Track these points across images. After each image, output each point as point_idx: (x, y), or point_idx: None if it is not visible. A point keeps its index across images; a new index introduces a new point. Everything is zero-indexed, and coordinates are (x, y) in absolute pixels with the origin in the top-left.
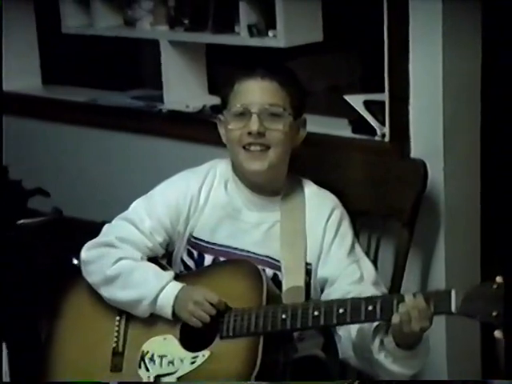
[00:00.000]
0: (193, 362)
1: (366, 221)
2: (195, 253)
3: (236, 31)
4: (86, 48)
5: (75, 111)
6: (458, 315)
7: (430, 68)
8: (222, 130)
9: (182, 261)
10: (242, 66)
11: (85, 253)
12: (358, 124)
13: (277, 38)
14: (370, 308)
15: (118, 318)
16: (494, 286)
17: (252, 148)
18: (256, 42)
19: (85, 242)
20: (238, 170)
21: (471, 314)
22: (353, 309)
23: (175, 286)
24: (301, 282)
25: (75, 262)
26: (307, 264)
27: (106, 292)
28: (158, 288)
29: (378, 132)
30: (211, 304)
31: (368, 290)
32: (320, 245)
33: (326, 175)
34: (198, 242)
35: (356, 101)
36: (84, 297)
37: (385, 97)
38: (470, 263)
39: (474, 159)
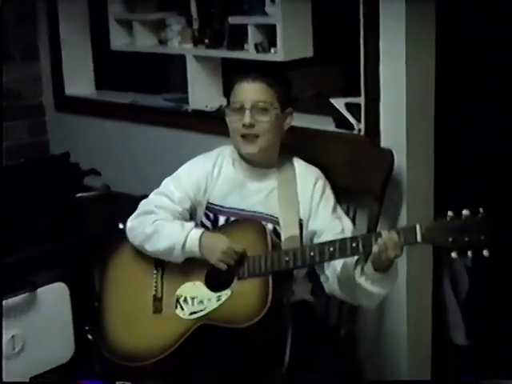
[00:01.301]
0: (218, 300)
1: (345, 196)
2: (211, 215)
3: (245, 48)
4: (129, 61)
5: (121, 110)
6: (422, 243)
7: (395, 78)
8: (227, 121)
9: (202, 223)
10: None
11: (130, 222)
12: (340, 121)
13: (277, 54)
14: (354, 245)
15: (154, 271)
16: (448, 219)
17: (247, 136)
18: (260, 56)
19: (127, 211)
20: (239, 153)
21: (432, 242)
22: (340, 247)
23: (197, 231)
24: (296, 232)
25: (121, 226)
26: (300, 220)
27: (148, 247)
28: (184, 235)
29: (356, 127)
30: (235, 252)
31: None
32: (309, 205)
33: (315, 160)
34: (213, 206)
35: (339, 103)
36: (127, 256)
37: (361, 100)
38: None
39: (429, 148)
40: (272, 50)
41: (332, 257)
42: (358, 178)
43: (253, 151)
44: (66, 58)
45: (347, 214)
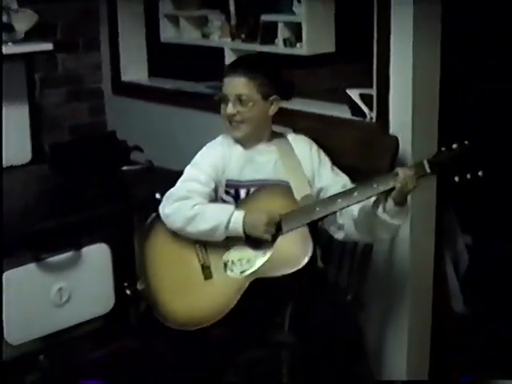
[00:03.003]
0: (264, 255)
1: (356, 176)
2: (232, 191)
3: (275, 43)
4: (177, 52)
5: (168, 95)
6: (431, 174)
7: (403, 73)
8: None
9: (222, 200)
10: (231, 65)
11: (167, 208)
12: (355, 109)
13: (302, 48)
14: (375, 185)
15: (197, 244)
16: (444, 152)
17: (232, 123)
18: (288, 50)
19: (168, 184)
20: None
21: (439, 171)
22: (363, 189)
23: (240, 212)
24: (308, 191)
25: (158, 196)
26: (308, 181)
27: (190, 228)
28: (228, 215)
29: (368, 115)
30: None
31: None
32: (311, 166)
33: (332, 144)
34: (232, 182)
35: (354, 93)
36: (167, 232)
37: (373, 91)
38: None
39: (433, 135)
40: (298, 45)
41: (357, 200)
42: (369, 160)
43: (238, 136)
44: (123, 48)
45: None
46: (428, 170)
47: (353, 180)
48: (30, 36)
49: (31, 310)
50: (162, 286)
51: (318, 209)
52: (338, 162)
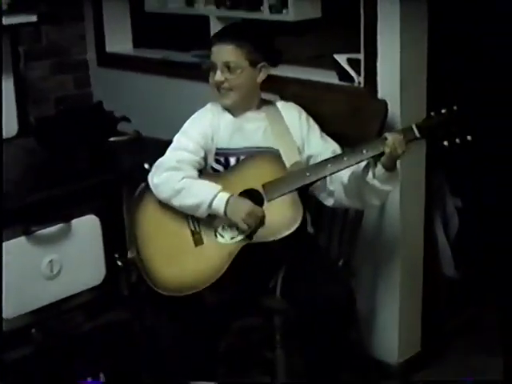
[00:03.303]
0: None
1: (345, 141)
2: (222, 159)
3: (261, 9)
4: (162, 21)
5: (154, 65)
6: (421, 138)
7: (390, 38)
8: None
9: (212, 168)
10: (218, 33)
11: (156, 178)
12: (343, 74)
13: (288, 14)
14: (365, 151)
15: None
16: (434, 117)
17: (221, 90)
18: (274, 17)
19: (156, 154)
20: None
21: (428, 135)
22: (353, 155)
23: (225, 194)
24: (298, 158)
25: (146, 166)
26: (297, 147)
27: (175, 201)
28: (213, 194)
29: (356, 80)
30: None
31: None
32: (300, 134)
33: (319, 109)
34: (222, 151)
35: (341, 58)
36: (157, 200)
37: (361, 56)
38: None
39: (422, 99)
40: (284, 11)
41: (347, 164)
42: (358, 125)
43: (227, 103)
44: (107, 19)
45: None
46: (417, 135)
47: (342, 146)
48: (13, 8)
49: (23, 283)
50: (152, 253)
51: (308, 174)
52: (326, 127)
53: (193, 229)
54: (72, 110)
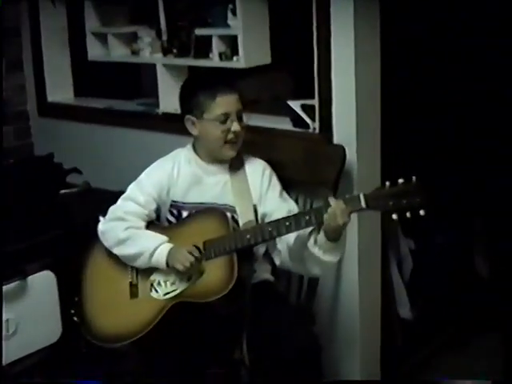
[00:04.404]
0: (189, 280)
1: (302, 189)
2: (175, 211)
3: (210, 57)
4: (105, 70)
5: (97, 114)
6: (367, 209)
7: (345, 82)
8: (192, 128)
9: (167, 219)
10: (219, 84)
11: (102, 226)
12: (297, 121)
13: (239, 61)
14: (307, 217)
15: None
16: (386, 187)
17: (232, 140)
18: (225, 64)
19: (106, 204)
20: (207, 155)
21: (375, 207)
22: (295, 220)
23: (168, 246)
24: (252, 217)
25: (101, 218)
26: (254, 205)
27: (117, 250)
28: (156, 245)
29: (311, 126)
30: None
31: None
32: (259, 191)
33: (274, 156)
34: (176, 204)
35: (295, 104)
36: (104, 250)
37: (315, 102)
38: None
39: (376, 143)
40: (234, 58)
41: (288, 230)
42: (314, 172)
43: (233, 155)
44: (48, 68)
45: (304, 205)
46: (363, 205)
47: (300, 194)
48: None
49: None
50: (92, 303)
51: (248, 236)
52: (282, 175)
53: (131, 280)
54: (21, 162)
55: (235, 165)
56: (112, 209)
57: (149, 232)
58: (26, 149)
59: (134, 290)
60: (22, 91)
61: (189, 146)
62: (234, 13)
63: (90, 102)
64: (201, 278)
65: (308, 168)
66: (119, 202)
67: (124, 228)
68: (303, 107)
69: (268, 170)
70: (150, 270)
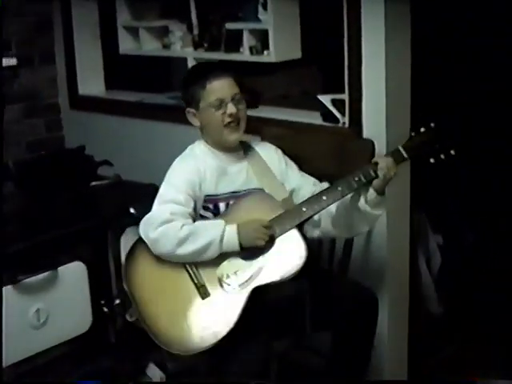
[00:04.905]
0: (258, 262)
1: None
2: (211, 206)
3: (240, 51)
4: (136, 63)
5: (128, 107)
6: (409, 159)
7: (376, 76)
8: (193, 119)
9: (201, 215)
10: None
11: (152, 233)
12: (327, 115)
13: (269, 56)
14: (357, 178)
15: (186, 265)
16: (416, 137)
17: (231, 125)
18: (255, 58)
19: (137, 197)
20: (215, 143)
21: (416, 155)
22: (347, 184)
23: (232, 226)
24: (286, 195)
25: (132, 210)
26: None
27: (181, 250)
28: (221, 230)
29: (341, 120)
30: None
31: (325, 185)
32: (279, 171)
33: (304, 151)
34: (210, 197)
35: (325, 99)
36: (151, 262)
37: (345, 96)
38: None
39: (405, 138)
40: (265, 53)
41: (343, 194)
42: (344, 166)
43: (237, 138)
44: (79, 61)
45: None
46: (405, 155)
47: None
48: None
49: (9, 333)
50: (158, 314)
51: (304, 209)
52: (312, 169)
53: (196, 282)
54: (53, 154)
55: (248, 150)
56: (153, 215)
57: (206, 222)
58: (56, 141)
59: (203, 291)
60: (54, 84)
61: (200, 141)
62: (265, 7)
63: (121, 95)
64: (269, 258)
65: (337, 162)
66: (157, 206)
67: (179, 227)
68: (333, 102)
69: (279, 150)
70: (212, 267)
